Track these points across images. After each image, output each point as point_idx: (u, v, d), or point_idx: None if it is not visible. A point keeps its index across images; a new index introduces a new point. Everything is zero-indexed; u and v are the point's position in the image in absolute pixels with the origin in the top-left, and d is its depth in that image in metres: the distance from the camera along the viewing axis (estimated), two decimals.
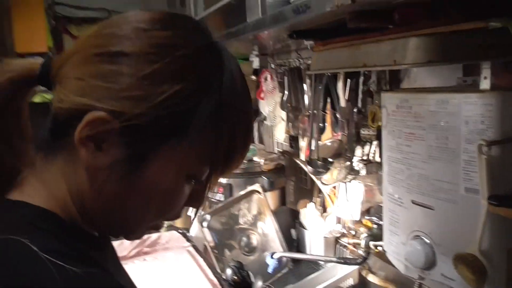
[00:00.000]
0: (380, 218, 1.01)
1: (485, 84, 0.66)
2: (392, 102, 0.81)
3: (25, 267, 0.36)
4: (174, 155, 0.44)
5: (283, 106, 1.47)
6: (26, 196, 0.44)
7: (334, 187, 1.25)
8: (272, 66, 1.56)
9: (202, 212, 1.35)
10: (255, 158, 1.54)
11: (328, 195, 1.31)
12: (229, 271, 1.09)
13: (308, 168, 1.17)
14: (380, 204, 1.03)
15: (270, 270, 1.27)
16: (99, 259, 0.45)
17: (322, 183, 1.23)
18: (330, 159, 1.16)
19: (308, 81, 1.30)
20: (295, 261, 1.35)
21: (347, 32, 0.76)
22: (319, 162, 1.16)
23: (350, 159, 1.10)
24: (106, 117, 0.41)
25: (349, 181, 1.14)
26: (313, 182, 1.37)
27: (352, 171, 1.10)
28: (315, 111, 1.18)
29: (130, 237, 0.51)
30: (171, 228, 1.58)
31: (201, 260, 1.24)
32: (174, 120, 0.42)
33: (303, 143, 1.42)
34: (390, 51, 0.64)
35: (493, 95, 0.63)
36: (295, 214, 1.46)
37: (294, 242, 1.42)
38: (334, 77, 1.12)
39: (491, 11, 0.55)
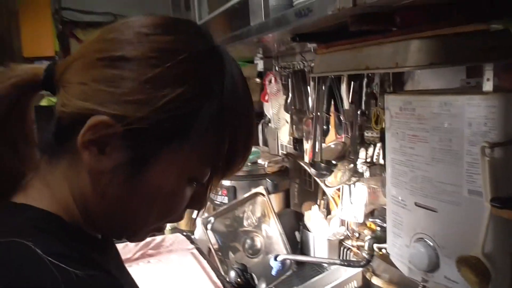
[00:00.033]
0: (384, 221, 1.01)
1: (488, 86, 0.65)
2: (395, 104, 0.81)
3: (28, 270, 0.37)
4: (175, 158, 0.44)
5: (287, 108, 1.47)
6: (30, 199, 0.45)
7: (338, 190, 1.25)
8: (277, 68, 1.57)
9: (206, 215, 1.35)
10: (259, 161, 1.54)
11: (332, 197, 1.31)
12: (232, 274, 1.10)
13: (311, 170, 1.17)
14: (384, 206, 1.03)
15: (273, 272, 1.27)
16: (102, 261, 0.45)
17: (326, 185, 1.23)
18: (333, 161, 1.16)
19: (312, 83, 1.30)
20: (299, 263, 1.35)
21: (350, 35, 0.76)
22: (323, 164, 1.16)
23: (354, 161, 1.10)
24: (109, 121, 0.41)
25: (353, 184, 1.14)
26: (317, 184, 1.37)
27: (356, 173, 1.10)
28: (318, 113, 1.18)
29: (132, 239, 0.52)
30: (175, 230, 1.59)
31: (205, 262, 1.24)
32: (176, 124, 0.43)
33: (307, 145, 1.42)
34: (392, 54, 0.64)
35: (496, 97, 0.63)
36: (299, 217, 1.46)
37: (298, 245, 1.42)
38: (337, 80, 1.12)
39: (492, 13, 0.55)
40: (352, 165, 1.10)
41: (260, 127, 1.90)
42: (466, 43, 0.59)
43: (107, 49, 0.43)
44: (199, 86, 0.44)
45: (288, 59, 1.49)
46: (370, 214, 1.17)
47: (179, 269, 1.23)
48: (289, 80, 1.43)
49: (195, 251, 1.32)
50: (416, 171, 0.77)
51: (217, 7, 1.22)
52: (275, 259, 1.28)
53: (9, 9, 2.60)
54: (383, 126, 0.93)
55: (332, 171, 1.14)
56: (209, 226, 1.31)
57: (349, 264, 1.12)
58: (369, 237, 1.10)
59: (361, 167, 1.12)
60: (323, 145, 1.22)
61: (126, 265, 1.23)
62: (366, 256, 1.06)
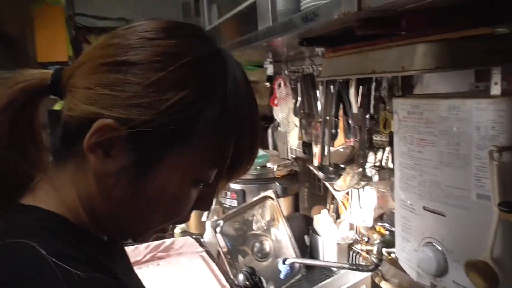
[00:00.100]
0: (393, 225, 1.00)
1: (495, 89, 0.65)
2: (403, 108, 0.81)
3: (32, 270, 0.37)
4: (179, 160, 0.45)
5: (296, 112, 1.48)
6: (38, 201, 0.46)
7: (347, 194, 1.25)
8: (286, 72, 1.57)
9: (216, 218, 1.36)
10: (269, 164, 1.55)
11: (342, 201, 1.30)
12: (241, 277, 1.10)
13: (320, 174, 1.17)
14: (393, 211, 1.02)
15: (282, 276, 1.27)
16: (107, 263, 0.46)
17: (335, 189, 1.23)
18: (342, 165, 1.15)
19: (320, 87, 1.30)
20: (308, 267, 1.35)
21: (357, 39, 0.77)
22: (331, 168, 1.16)
23: (362, 165, 1.10)
24: (114, 124, 0.42)
25: (362, 187, 1.13)
26: (326, 188, 1.37)
27: (365, 177, 1.10)
28: (327, 117, 1.19)
29: (138, 240, 0.52)
30: (185, 233, 1.60)
31: (214, 265, 1.25)
32: (179, 126, 0.43)
33: (316, 149, 1.42)
34: (398, 58, 0.64)
35: (504, 100, 0.63)
36: (308, 221, 1.46)
37: (307, 249, 1.42)
38: (346, 84, 1.12)
39: (498, 17, 0.55)
40: (361, 169, 1.10)
41: (269, 131, 1.91)
42: (471, 47, 0.59)
43: (111, 54, 0.44)
44: (202, 89, 0.44)
45: (297, 63, 1.50)
46: (379, 218, 1.16)
47: (188, 272, 1.24)
48: (298, 84, 1.44)
49: (205, 254, 1.33)
50: (424, 175, 0.76)
51: (226, 13, 1.23)
52: (284, 262, 1.28)
53: (24, 15, 2.67)
54: (392, 130, 0.93)
55: (341, 174, 1.14)
56: (218, 229, 1.31)
57: (357, 268, 1.12)
58: (378, 241, 1.09)
59: (370, 171, 1.12)
60: (332, 149, 1.22)
61: (136, 267, 1.24)
62: (375, 260, 1.05)
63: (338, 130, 1.22)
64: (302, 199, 1.54)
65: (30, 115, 0.49)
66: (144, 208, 0.47)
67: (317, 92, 1.37)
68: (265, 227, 1.39)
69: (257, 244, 1.36)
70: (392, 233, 1.06)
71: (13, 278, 0.37)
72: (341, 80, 1.11)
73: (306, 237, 1.43)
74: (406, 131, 0.80)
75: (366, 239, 1.22)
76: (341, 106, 1.17)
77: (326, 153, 1.19)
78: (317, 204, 1.46)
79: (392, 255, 1.04)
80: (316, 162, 1.40)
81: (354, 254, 1.29)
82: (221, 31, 1.30)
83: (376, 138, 1.09)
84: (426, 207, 0.76)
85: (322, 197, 1.45)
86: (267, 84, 1.80)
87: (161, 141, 0.44)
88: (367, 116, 1.06)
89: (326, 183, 1.30)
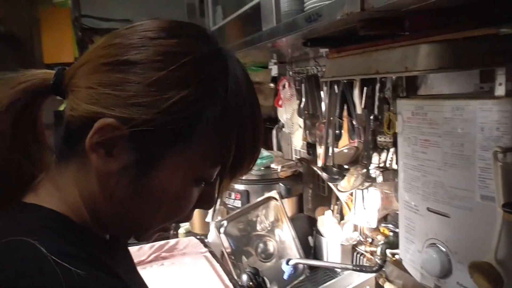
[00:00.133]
0: (397, 226, 1.00)
1: (500, 90, 0.65)
2: (407, 108, 0.81)
3: (32, 268, 0.38)
4: (181, 159, 0.45)
5: (300, 113, 1.48)
6: (40, 200, 0.46)
7: (351, 194, 1.25)
8: (290, 73, 1.57)
9: (220, 218, 1.37)
10: (273, 165, 1.55)
11: (346, 202, 1.30)
12: (244, 277, 1.10)
13: (323, 175, 1.17)
14: (397, 212, 1.02)
15: (285, 276, 1.27)
16: (109, 262, 0.46)
17: (339, 190, 1.23)
18: (346, 166, 1.15)
19: (325, 88, 1.30)
20: (312, 268, 1.35)
21: (361, 39, 0.77)
22: (335, 169, 1.15)
23: (366, 166, 1.10)
24: (115, 123, 0.42)
25: (366, 189, 1.13)
26: (330, 189, 1.37)
27: (369, 178, 1.10)
28: (331, 118, 1.19)
29: (141, 239, 0.52)
30: (189, 234, 1.61)
31: (218, 265, 1.25)
32: (180, 126, 0.44)
33: (320, 150, 1.42)
34: (401, 58, 0.64)
35: (508, 101, 0.63)
36: (312, 222, 1.46)
37: (311, 250, 1.42)
38: (350, 84, 1.12)
39: (501, 17, 0.55)
40: (365, 170, 1.09)
41: (274, 132, 1.91)
42: (475, 47, 0.59)
43: (112, 54, 0.45)
44: (203, 88, 0.44)
45: (302, 64, 1.50)
46: (383, 219, 1.16)
47: (192, 272, 1.24)
48: (303, 85, 1.44)
49: (208, 255, 1.33)
50: (428, 176, 0.76)
51: (231, 14, 1.24)
52: (287, 263, 1.28)
53: (31, 17, 2.69)
54: (396, 131, 0.92)
55: (344, 175, 1.14)
56: (222, 229, 1.31)
57: (361, 269, 1.12)
58: (381, 242, 1.09)
59: (374, 172, 1.11)
60: (336, 149, 1.22)
61: (140, 267, 1.25)
62: (379, 262, 1.05)
63: (342, 131, 1.22)
64: (306, 200, 1.54)
65: (33, 115, 0.49)
66: (146, 207, 0.47)
67: (322, 93, 1.36)
68: (269, 228, 1.39)
69: (261, 245, 1.36)
70: (396, 234, 1.06)
71: (13, 276, 0.37)
72: (345, 81, 1.11)
73: (310, 238, 1.43)
74: (410, 132, 0.80)
75: (370, 240, 1.22)
76: (345, 107, 1.17)
77: (330, 154, 1.19)
78: (321, 205, 1.46)
79: (396, 256, 1.04)
80: (320, 163, 1.40)
81: (358, 256, 1.28)
82: (226, 32, 1.31)
83: (380, 139, 1.09)
84: (430, 208, 0.76)
85: (326, 198, 1.45)
86: (272, 85, 1.80)
87: (163, 140, 0.44)
88: (371, 117, 1.06)
89: (330, 184, 1.30)
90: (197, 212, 1.68)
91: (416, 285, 0.97)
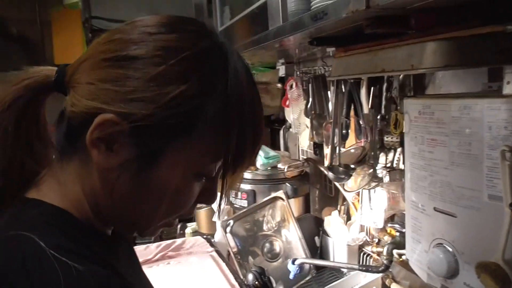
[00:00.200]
0: (404, 226, 0.99)
1: (508, 89, 0.64)
2: (414, 108, 0.80)
3: (30, 262, 0.38)
4: (181, 154, 0.45)
5: (307, 113, 1.48)
6: (42, 195, 0.47)
7: (358, 195, 1.24)
8: (298, 73, 1.57)
9: (226, 217, 1.37)
10: (279, 165, 1.55)
11: (352, 203, 1.30)
12: (250, 276, 1.10)
13: (329, 174, 1.16)
14: (404, 212, 1.01)
15: (291, 276, 1.27)
16: (109, 258, 0.46)
17: (345, 190, 1.22)
18: (352, 166, 1.15)
19: (332, 87, 1.30)
20: (319, 268, 1.34)
21: (367, 38, 0.76)
22: (341, 168, 1.15)
23: (373, 166, 1.09)
24: (115, 119, 0.42)
25: (373, 188, 1.13)
26: (337, 189, 1.36)
27: (376, 178, 1.09)
28: (337, 118, 1.18)
29: (143, 234, 0.53)
30: (196, 233, 1.61)
31: (224, 265, 1.25)
32: (181, 120, 0.44)
33: (327, 150, 1.42)
34: (407, 56, 0.64)
35: None
36: (318, 222, 1.45)
37: (318, 250, 1.41)
38: (357, 84, 1.12)
39: (509, 15, 0.55)
40: (371, 170, 1.09)
41: (281, 132, 1.91)
42: (481, 45, 0.58)
43: (112, 50, 0.45)
44: (203, 83, 0.44)
45: (309, 65, 1.50)
46: (390, 219, 1.15)
47: (198, 271, 1.24)
48: (310, 85, 1.44)
49: (215, 254, 1.34)
50: (435, 176, 0.76)
51: (238, 13, 1.24)
52: (293, 262, 1.28)
53: (42, 19, 2.73)
54: (402, 130, 0.92)
55: (351, 175, 1.13)
56: (228, 229, 1.32)
57: (367, 269, 1.11)
58: (388, 242, 1.08)
59: (381, 172, 1.11)
60: (343, 149, 1.21)
61: (146, 266, 1.26)
62: (385, 262, 1.04)
63: (349, 130, 1.21)
64: (313, 200, 1.54)
65: (35, 111, 0.50)
66: (147, 202, 0.47)
67: (329, 93, 1.36)
68: (275, 228, 1.39)
69: (267, 245, 1.36)
70: (402, 235, 1.05)
71: (11, 269, 0.38)
72: (352, 81, 1.10)
73: (316, 238, 1.42)
74: (417, 131, 0.80)
75: (376, 240, 1.21)
76: (352, 107, 1.17)
77: (336, 153, 1.19)
78: (328, 206, 1.46)
79: (403, 257, 1.03)
80: (326, 163, 1.39)
81: (365, 256, 1.28)
82: (233, 32, 1.31)
83: (387, 139, 1.08)
84: (437, 208, 0.76)
85: (333, 198, 1.44)
86: (279, 85, 1.80)
87: (163, 135, 0.44)
88: (378, 117, 1.05)
89: (336, 184, 1.29)
90: (204, 212, 1.69)
91: (423, 285, 0.97)
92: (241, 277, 1.20)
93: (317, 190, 1.52)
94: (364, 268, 1.12)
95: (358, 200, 1.25)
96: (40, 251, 0.38)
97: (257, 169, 1.53)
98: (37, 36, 2.76)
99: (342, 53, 0.86)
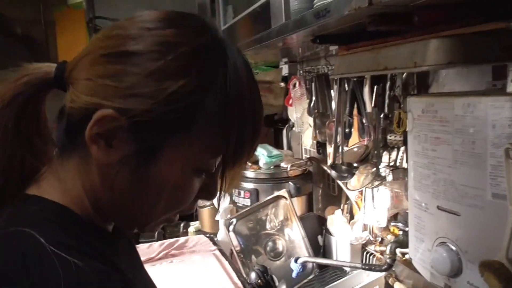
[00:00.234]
0: (407, 225, 0.99)
1: None
2: (417, 106, 0.80)
3: (30, 258, 0.38)
4: (180, 149, 0.45)
5: (310, 112, 1.47)
6: (42, 192, 0.47)
7: (361, 193, 1.24)
8: (301, 72, 1.57)
9: (229, 216, 1.37)
10: (282, 164, 1.55)
11: (355, 202, 1.29)
12: (253, 275, 1.10)
13: (332, 173, 1.16)
14: (407, 211, 1.01)
15: (294, 274, 1.27)
16: (110, 255, 0.47)
17: (348, 188, 1.22)
18: (355, 164, 1.15)
19: (335, 86, 1.30)
20: (321, 267, 1.34)
21: (370, 36, 0.76)
22: (344, 167, 1.15)
23: (376, 165, 1.09)
24: (114, 114, 0.42)
25: (376, 187, 1.12)
26: (340, 189, 1.36)
27: (379, 177, 1.09)
28: (340, 116, 1.18)
29: (143, 230, 0.52)
30: (199, 233, 1.61)
31: (226, 263, 1.25)
32: (179, 116, 0.44)
33: (330, 149, 1.42)
34: (410, 53, 0.64)
35: None
36: (322, 221, 1.45)
37: (321, 249, 1.41)
38: (360, 83, 1.11)
39: None
40: (374, 169, 1.09)
41: (284, 131, 1.91)
42: (485, 42, 0.58)
43: (111, 45, 0.45)
44: (201, 78, 0.44)
45: (312, 64, 1.50)
46: (393, 218, 1.15)
47: (200, 270, 1.24)
48: (313, 84, 1.44)
49: (218, 252, 1.34)
50: (438, 174, 0.75)
51: (241, 12, 1.24)
52: (296, 261, 1.27)
53: (46, 19, 2.74)
54: (405, 129, 0.92)
55: (353, 173, 1.13)
56: (231, 227, 1.32)
57: (370, 268, 1.11)
58: (391, 241, 1.08)
59: (384, 170, 1.10)
60: (346, 148, 1.21)
61: (149, 264, 1.26)
62: (388, 260, 1.04)
63: (352, 129, 1.21)
64: (317, 199, 1.54)
65: (35, 108, 0.49)
66: (146, 197, 0.47)
67: (332, 91, 1.36)
68: (278, 227, 1.39)
69: (270, 244, 1.36)
70: (406, 233, 1.05)
71: (11, 266, 0.38)
72: (355, 79, 1.10)
73: (319, 237, 1.42)
74: (420, 129, 0.79)
75: (379, 239, 1.21)
76: (355, 105, 1.17)
77: (339, 152, 1.19)
78: (331, 205, 1.45)
79: (406, 256, 1.03)
80: (329, 162, 1.39)
81: (368, 255, 1.27)
82: (236, 31, 1.31)
83: (390, 137, 1.08)
84: (440, 206, 0.75)
85: (336, 197, 1.44)
86: (282, 84, 1.80)
87: (162, 131, 0.44)
88: (381, 116, 1.05)
89: (339, 182, 1.29)
90: (207, 211, 1.69)
91: (426, 284, 0.96)
92: (244, 275, 1.20)
93: (320, 189, 1.52)
94: (367, 267, 1.11)
95: (361, 199, 1.24)
96: (40, 248, 0.38)
97: (260, 168, 1.53)
98: (41, 36, 2.77)
99: (345, 51, 0.86)
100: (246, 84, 0.48)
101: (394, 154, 1.10)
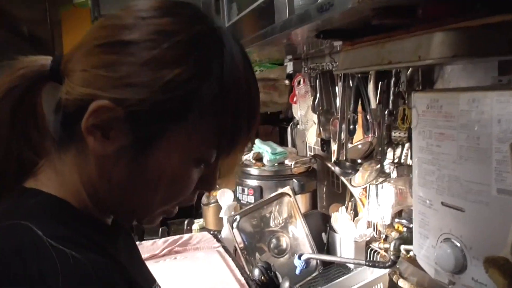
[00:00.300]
0: (411, 221, 0.98)
1: None
2: (422, 102, 0.79)
3: (27, 250, 0.38)
4: (178, 139, 0.45)
5: (314, 109, 1.47)
6: (40, 184, 0.47)
7: (365, 191, 1.23)
8: (305, 70, 1.57)
9: (233, 213, 1.37)
10: (286, 161, 1.54)
11: (360, 199, 1.29)
12: (256, 271, 1.10)
13: (336, 169, 1.16)
14: (411, 207, 1.01)
15: (297, 271, 1.27)
16: (109, 248, 0.46)
17: (352, 185, 1.21)
18: (359, 161, 1.14)
19: (339, 83, 1.29)
20: (325, 265, 1.34)
21: (374, 31, 0.76)
22: (348, 163, 1.14)
23: (381, 162, 1.08)
24: (110, 105, 0.42)
25: (380, 184, 1.12)
26: (344, 186, 1.36)
27: (383, 174, 1.08)
28: (344, 112, 1.18)
29: (142, 222, 0.52)
30: (203, 230, 1.62)
31: (230, 260, 1.26)
32: (176, 105, 0.43)
33: (334, 146, 1.41)
34: (415, 47, 0.63)
35: None
36: (326, 218, 1.45)
37: (325, 246, 1.41)
38: (365, 79, 1.11)
39: None
40: (379, 166, 1.08)
41: (289, 129, 1.91)
42: (491, 35, 0.57)
43: (106, 35, 0.45)
44: (198, 66, 0.44)
45: (317, 61, 1.49)
46: (398, 215, 1.14)
47: (204, 266, 1.25)
48: (317, 81, 1.43)
49: (221, 249, 1.34)
50: (443, 170, 0.75)
51: (245, 8, 1.24)
52: (299, 258, 1.27)
53: (52, 18, 2.76)
54: (410, 125, 0.91)
55: (357, 170, 1.13)
56: (235, 224, 1.32)
57: (373, 264, 1.10)
58: (395, 238, 1.07)
59: (388, 167, 1.10)
60: (350, 144, 1.21)
61: (153, 260, 1.27)
62: (392, 257, 1.03)
63: (357, 126, 1.20)
64: (321, 197, 1.53)
65: (32, 101, 0.49)
66: (144, 188, 0.47)
67: (336, 88, 1.35)
68: (282, 224, 1.39)
69: (274, 240, 1.36)
70: (410, 230, 1.04)
71: (9, 258, 0.38)
72: (359, 76, 1.10)
73: (323, 235, 1.42)
74: (425, 125, 0.79)
75: (384, 236, 1.20)
76: (360, 102, 1.16)
77: (343, 148, 1.18)
78: (335, 202, 1.45)
79: (411, 253, 1.02)
80: (334, 159, 1.39)
81: (372, 252, 1.27)
82: (240, 27, 1.31)
83: (395, 134, 1.07)
84: (444, 202, 0.75)
85: (340, 195, 1.44)
86: (287, 81, 1.80)
87: (158, 120, 0.44)
88: (386, 112, 1.04)
89: (343, 179, 1.29)
90: (211, 208, 1.69)
91: (431, 282, 0.96)
92: (248, 272, 1.20)
93: (324, 187, 1.51)
94: (371, 264, 1.11)
95: (366, 196, 1.24)
96: (38, 240, 0.38)
97: (264, 165, 1.53)
98: (47, 35, 2.79)
99: (349, 47, 0.85)
100: (243, 72, 0.47)
101: (398, 151, 1.10)
